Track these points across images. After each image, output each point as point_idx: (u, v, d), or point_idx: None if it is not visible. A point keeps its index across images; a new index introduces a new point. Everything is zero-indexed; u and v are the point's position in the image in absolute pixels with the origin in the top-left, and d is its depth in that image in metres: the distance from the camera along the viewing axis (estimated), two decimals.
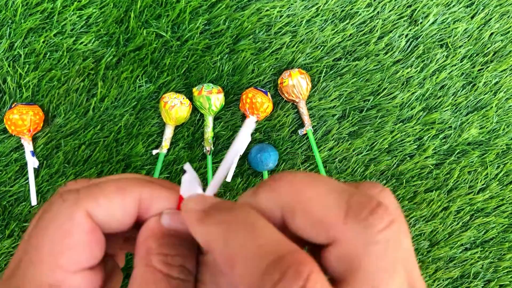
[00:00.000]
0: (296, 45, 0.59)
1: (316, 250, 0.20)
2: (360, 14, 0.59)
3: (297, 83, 0.56)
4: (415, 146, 0.60)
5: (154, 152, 0.57)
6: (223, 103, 0.57)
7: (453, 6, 0.60)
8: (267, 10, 0.58)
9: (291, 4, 0.58)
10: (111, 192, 0.22)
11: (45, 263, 0.21)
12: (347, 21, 0.59)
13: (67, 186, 0.24)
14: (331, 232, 0.18)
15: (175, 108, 0.55)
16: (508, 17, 0.61)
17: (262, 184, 0.20)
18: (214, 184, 0.23)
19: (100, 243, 0.22)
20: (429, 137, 0.60)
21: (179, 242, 0.22)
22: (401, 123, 0.60)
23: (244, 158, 0.58)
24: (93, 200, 0.22)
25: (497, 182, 0.60)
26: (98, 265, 0.23)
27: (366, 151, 0.59)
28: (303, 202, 0.18)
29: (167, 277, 0.20)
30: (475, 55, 0.61)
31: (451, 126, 0.60)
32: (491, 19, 0.61)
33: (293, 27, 0.59)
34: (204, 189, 0.25)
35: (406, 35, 0.60)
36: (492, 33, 0.61)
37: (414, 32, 0.60)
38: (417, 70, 0.60)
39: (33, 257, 0.21)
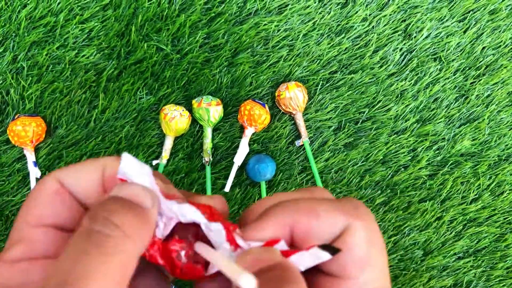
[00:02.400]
0: (293, 59, 0.60)
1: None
2: (355, 29, 0.61)
3: (294, 96, 0.57)
4: (409, 157, 0.61)
5: (154, 162, 0.58)
6: (222, 115, 0.58)
7: (446, 20, 0.62)
8: (265, 24, 0.59)
9: (288, 18, 0.60)
10: (79, 164, 0.25)
11: (18, 222, 0.24)
12: (343, 35, 0.61)
13: None
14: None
15: (175, 119, 0.56)
16: (499, 31, 0.63)
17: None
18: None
19: (65, 203, 0.24)
20: (423, 148, 0.61)
21: (122, 205, 0.23)
22: (395, 135, 0.61)
23: (242, 168, 0.59)
24: (63, 170, 0.24)
25: (489, 193, 0.62)
26: (67, 231, 0.25)
27: (362, 162, 0.61)
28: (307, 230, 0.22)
29: (86, 230, 0.21)
30: (467, 68, 0.62)
31: (444, 138, 0.62)
32: (483, 33, 0.62)
33: (290, 41, 0.60)
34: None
35: (401, 49, 0.62)
36: (484, 47, 0.63)
37: (408, 46, 0.62)
38: (411, 83, 0.61)
39: (17, 219, 0.24)
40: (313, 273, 0.23)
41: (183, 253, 0.23)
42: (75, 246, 0.20)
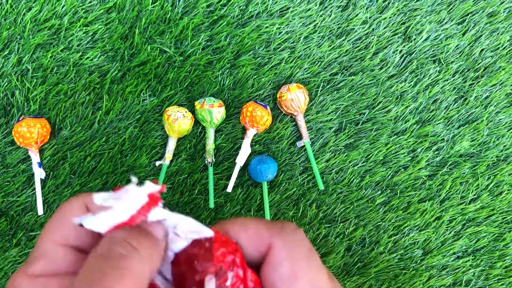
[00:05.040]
0: (294, 61, 0.61)
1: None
2: (356, 31, 0.62)
3: (295, 97, 0.58)
4: (409, 158, 0.62)
5: (158, 163, 0.59)
6: (224, 116, 0.59)
7: (445, 23, 0.63)
8: (267, 27, 0.60)
9: (290, 21, 0.61)
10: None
11: (44, 237, 0.25)
12: (344, 37, 0.62)
13: None
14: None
15: (178, 121, 0.57)
16: (497, 34, 0.63)
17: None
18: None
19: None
20: (422, 149, 0.62)
21: (137, 231, 0.24)
22: (395, 136, 0.62)
23: (244, 169, 0.60)
24: (90, 195, 0.25)
25: (488, 193, 0.63)
26: (84, 251, 0.26)
27: (362, 163, 0.61)
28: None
29: (104, 253, 0.22)
30: (466, 70, 0.63)
31: (443, 139, 0.62)
32: (481, 36, 0.63)
33: (291, 43, 0.61)
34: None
35: (400, 51, 0.62)
36: (482, 49, 0.63)
37: (408, 48, 0.62)
38: (410, 85, 0.62)
39: (42, 235, 0.25)
40: None
41: None
42: (93, 266, 0.21)
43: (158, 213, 0.24)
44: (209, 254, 0.23)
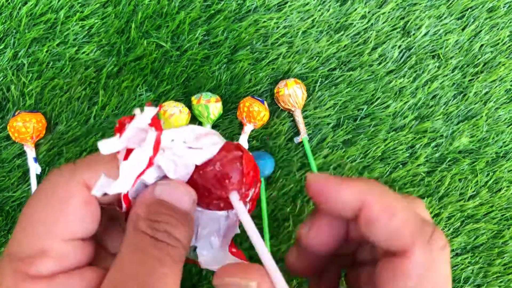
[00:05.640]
0: (292, 56, 0.60)
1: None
2: (354, 26, 0.61)
3: (293, 93, 0.58)
4: (408, 154, 0.61)
5: None
6: (221, 112, 0.59)
7: (445, 18, 0.62)
8: (264, 21, 0.60)
9: (288, 16, 0.60)
10: (107, 162, 0.23)
11: (38, 230, 0.21)
12: (342, 32, 0.61)
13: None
14: (403, 245, 0.23)
15: (174, 116, 0.56)
16: (497, 29, 0.63)
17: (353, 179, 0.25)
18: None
19: (96, 214, 0.23)
20: (421, 145, 0.61)
21: (168, 212, 0.23)
22: (394, 132, 0.61)
23: None
24: (88, 169, 0.23)
25: (487, 189, 0.62)
26: (90, 238, 0.24)
27: (360, 159, 0.61)
28: (388, 212, 0.23)
29: (153, 239, 0.22)
30: (466, 66, 0.63)
31: (442, 135, 0.62)
32: (481, 31, 0.63)
33: (289, 38, 0.60)
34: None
35: (399, 46, 0.62)
36: (482, 45, 0.63)
37: (407, 43, 0.62)
38: (409, 80, 0.62)
39: (26, 225, 0.22)
40: (371, 264, 0.24)
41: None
42: (144, 254, 0.21)
43: (168, 136, 0.24)
44: (241, 174, 0.23)
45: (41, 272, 0.21)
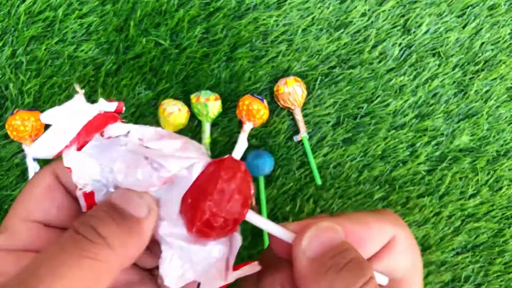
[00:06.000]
0: (292, 54, 0.60)
1: None
2: (354, 24, 0.61)
3: (292, 91, 0.57)
4: (408, 153, 0.61)
5: None
6: (221, 110, 0.58)
7: (445, 16, 0.62)
8: (264, 19, 0.59)
9: (287, 13, 0.60)
10: None
11: (10, 213, 0.24)
12: (342, 30, 0.61)
13: None
14: None
15: (173, 114, 0.56)
16: (498, 27, 0.63)
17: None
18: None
19: (55, 201, 0.24)
20: (421, 143, 0.61)
21: (108, 211, 0.23)
22: (394, 130, 0.61)
23: None
24: (59, 161, 0.24)
25: (488, 188, 0.62)
26: (58, 228, 0.24)
27: (360, 157, 0.61)
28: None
29: (73, 232, 0.21)
30: (466, 64, 0.62)
31: (443, 133, 0.62)
32: (482, 29, 0.62)
33: (289, 36, 0.60)
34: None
35: (400, 44, 0.61)
36: (483, 43, 0.62)
37: (407, 41, 0.61)
38: (410, 78, 0.61)
39: (9, 209, 0.24)
40: None
41: None
42: (56, 245, 0.20)
43: (117, 128, 0.22)
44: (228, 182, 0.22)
45: None
